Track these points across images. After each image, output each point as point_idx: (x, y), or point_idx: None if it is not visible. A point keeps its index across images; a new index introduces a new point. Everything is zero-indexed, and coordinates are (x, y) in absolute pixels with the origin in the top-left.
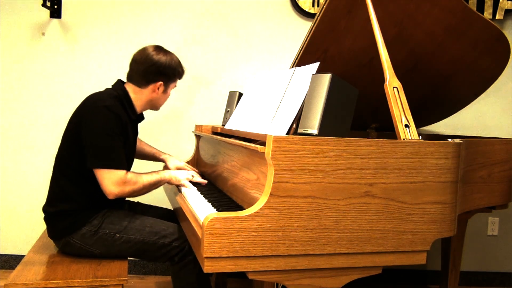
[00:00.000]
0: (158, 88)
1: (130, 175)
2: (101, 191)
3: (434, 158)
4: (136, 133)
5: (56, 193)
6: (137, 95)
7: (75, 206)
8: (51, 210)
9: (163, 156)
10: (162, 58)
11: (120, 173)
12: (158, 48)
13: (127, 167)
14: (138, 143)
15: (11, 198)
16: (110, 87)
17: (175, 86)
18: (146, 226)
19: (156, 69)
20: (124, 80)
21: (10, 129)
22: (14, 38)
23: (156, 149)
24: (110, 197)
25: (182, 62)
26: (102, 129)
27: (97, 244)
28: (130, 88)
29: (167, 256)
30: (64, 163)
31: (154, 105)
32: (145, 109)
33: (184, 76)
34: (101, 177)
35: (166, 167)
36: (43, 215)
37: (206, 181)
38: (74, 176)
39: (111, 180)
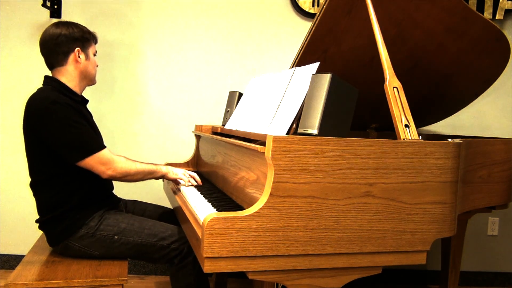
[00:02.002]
0: (79, 56)
1: (118, 156)
2: (86, 187)
3: (434, 158)
4: (91, 114)
5: (43, 203)
6: (66, 75)
7: (66, 208)
8: (43, 220)
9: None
10: (64, 27)
11: (103, 152)
12: (56, 23)
13: (103, 144)
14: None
15: (12, 198)
16: (41, 86)
17: (95, 51)
18: (145, 228)
19: (65, 38)
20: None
21: (10, 129)
22: (14, 38)
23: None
24: (105, 176)
25: (182, 61)
26: (63, 124)
27: (96, 246)
28: (58, 74)
29: (166, 258)
30: (38, 173)
31: (87, 77)
32: (83, 87)
33: (184, 76)
34: (89, 165)
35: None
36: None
37: (201, 182)
38: (53, 181)
39: (98, 163)
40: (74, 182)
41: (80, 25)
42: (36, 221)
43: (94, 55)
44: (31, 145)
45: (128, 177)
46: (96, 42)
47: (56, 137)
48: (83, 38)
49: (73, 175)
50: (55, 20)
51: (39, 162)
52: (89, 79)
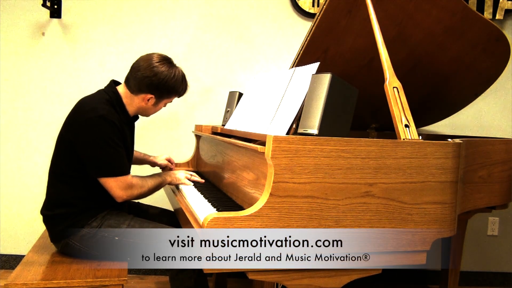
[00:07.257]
0: (148, 100)
1: (136, 179)
2: (100, 194)
3: (434, 158)
4: (133, 132)
5: (53, 198)
6: (128, 99)
7: (73, 210)
8: (48, 214)
9: (151, 158)
10: (162, 72)
11: (126, 178)
12: (163, 60)
13: (129, 169)
14: None
15: (11, 198)
16: (103, 88)
17: (171, 101)
18: (145, 230)
19: (151, 82)
20: (118, 80)
21: (10, 129)
22: (14, 38)
23: (142, 153)
24: (119, 200)
25: (181, 61)
26: (101, 141)
27: (96, 247)
28: (123, 91)
29: None
30: (59, 169)
31: (142, 114)
32: (136, 114)
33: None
34: (108, 185)
35: (155, 164)
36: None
37: (203, 180)
38: (70, 181)
39: (118, 187)
40: (87, 185)
41: (179, 75)
42: (41, 213)
43: (165, 105)
44: (63, 140)
45: (141, 196)
46: (179, 96)
47: (89, 149)
48: (166, 91)
49: (89, 180)
50: (55, 20)
51: (63, 158)
52: (143, 115)
